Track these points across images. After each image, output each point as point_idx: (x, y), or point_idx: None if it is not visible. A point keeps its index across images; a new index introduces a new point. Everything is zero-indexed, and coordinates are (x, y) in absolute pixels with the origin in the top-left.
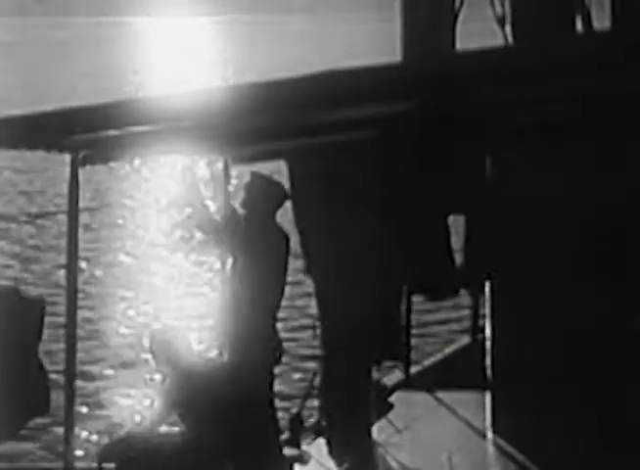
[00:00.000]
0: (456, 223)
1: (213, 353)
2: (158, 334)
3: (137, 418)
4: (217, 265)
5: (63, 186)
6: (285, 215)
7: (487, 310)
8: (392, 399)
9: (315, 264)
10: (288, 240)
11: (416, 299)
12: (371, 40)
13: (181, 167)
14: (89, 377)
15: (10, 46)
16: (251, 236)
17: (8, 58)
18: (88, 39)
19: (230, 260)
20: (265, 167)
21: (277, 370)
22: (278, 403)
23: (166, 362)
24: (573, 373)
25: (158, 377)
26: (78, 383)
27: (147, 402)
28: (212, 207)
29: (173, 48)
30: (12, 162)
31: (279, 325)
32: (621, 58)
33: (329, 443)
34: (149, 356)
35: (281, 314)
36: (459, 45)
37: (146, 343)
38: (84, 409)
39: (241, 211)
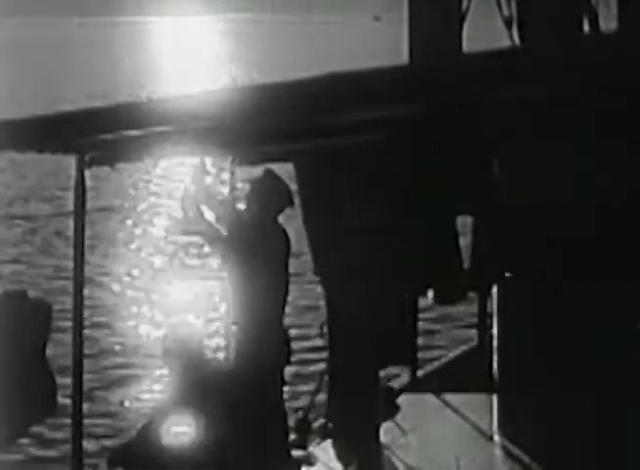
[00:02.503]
0: (464, 226)
1: (223, 355)
2: (172, 329)
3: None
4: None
5: None
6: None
7: (495, 313)
8: (399, 401)
9: (323, 267)
10: (288, 239)
11: None
12: (378, 41)
13: (194, 166)
14: None
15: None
16: (253, 235)
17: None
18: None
19: (233, 260)
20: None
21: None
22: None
23: (179, 358)
24: (580, 376)
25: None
26: None
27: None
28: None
29: (178, 48)
30: None
31: None
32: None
33: (335, 445)
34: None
35: None
36: (466, 46)
37: (160, 338)
38: None
39: (244, 208)
